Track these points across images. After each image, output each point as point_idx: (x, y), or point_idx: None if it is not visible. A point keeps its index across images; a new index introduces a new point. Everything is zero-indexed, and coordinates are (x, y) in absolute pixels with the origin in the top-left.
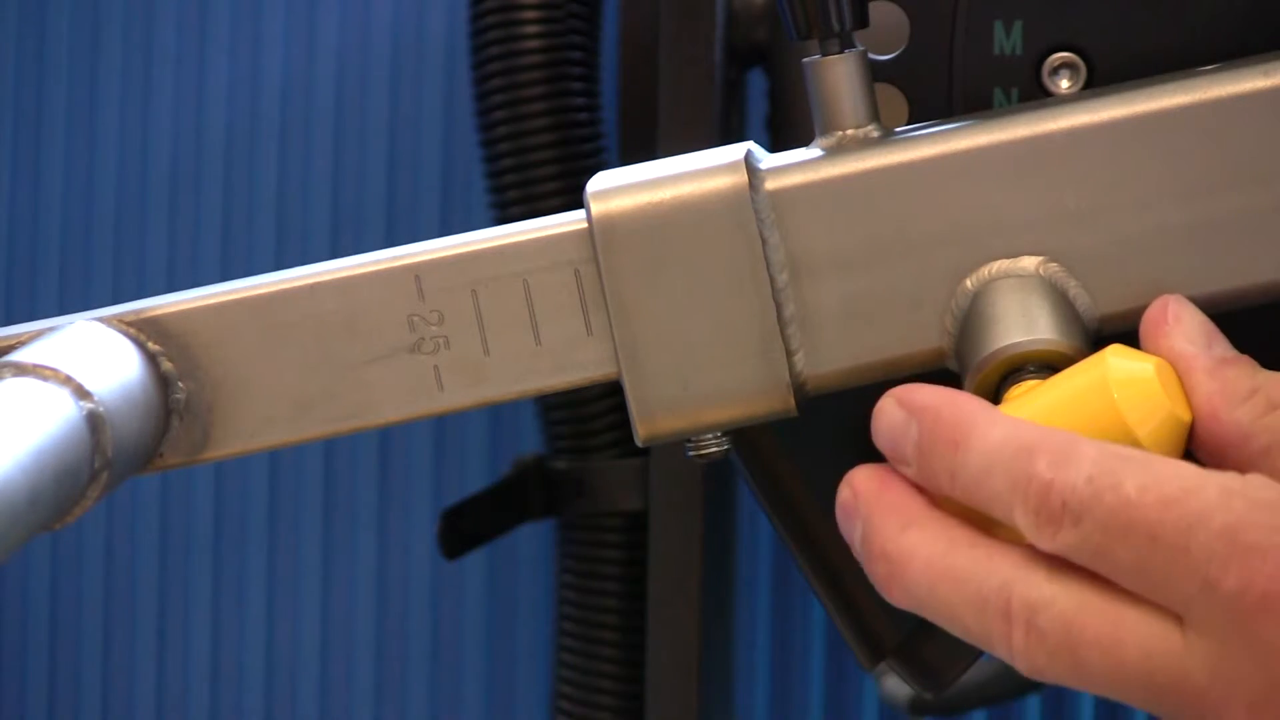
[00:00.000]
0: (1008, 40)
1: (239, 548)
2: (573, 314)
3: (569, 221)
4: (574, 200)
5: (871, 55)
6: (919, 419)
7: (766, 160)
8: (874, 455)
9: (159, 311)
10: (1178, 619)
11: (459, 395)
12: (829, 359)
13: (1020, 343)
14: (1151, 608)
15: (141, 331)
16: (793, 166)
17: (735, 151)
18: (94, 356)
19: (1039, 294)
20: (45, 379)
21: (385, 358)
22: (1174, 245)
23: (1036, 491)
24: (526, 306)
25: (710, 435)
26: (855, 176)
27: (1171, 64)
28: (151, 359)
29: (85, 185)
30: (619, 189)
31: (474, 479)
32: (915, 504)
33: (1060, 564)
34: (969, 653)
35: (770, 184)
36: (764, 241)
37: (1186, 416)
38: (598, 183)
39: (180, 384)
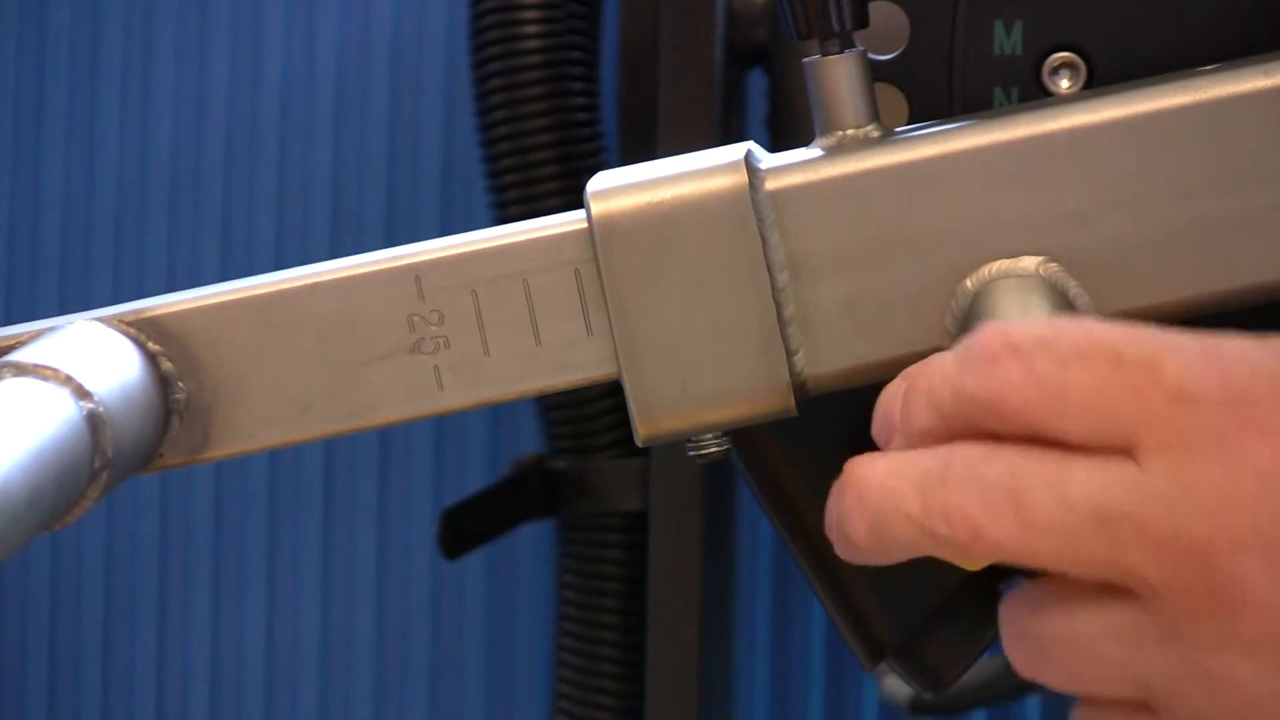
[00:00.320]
0: (1008, 40)
1: (239, 548)
2: (573, 314)
3: (569, 222)
4: (574, 200)
5: (871, 55)
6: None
7: (766, 160)
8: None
9: (159, 311)
10: (1129, 452)
11: (459, 395)
12: (829, 359)
13: None
14: (1102, 455)
15: (141, 331)
16: (793, 166)
17: (735, 151)
18: (94, 357)
19: (1039, 294)
20: (45, 379)
21: (385, 358)
22: (1174, 245)
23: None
24: (526, 306)
25: (710, 435)
26: (855, 176)
27: (1171, 64)
28: (151, 359)
29: (85, 185)
30: (619, 189)
31: (474, 479)
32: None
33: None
34: (969, 653)
35: (770, 184)
36: (764, 241)
37: None
38: (598, 183)
39: (180, 384)
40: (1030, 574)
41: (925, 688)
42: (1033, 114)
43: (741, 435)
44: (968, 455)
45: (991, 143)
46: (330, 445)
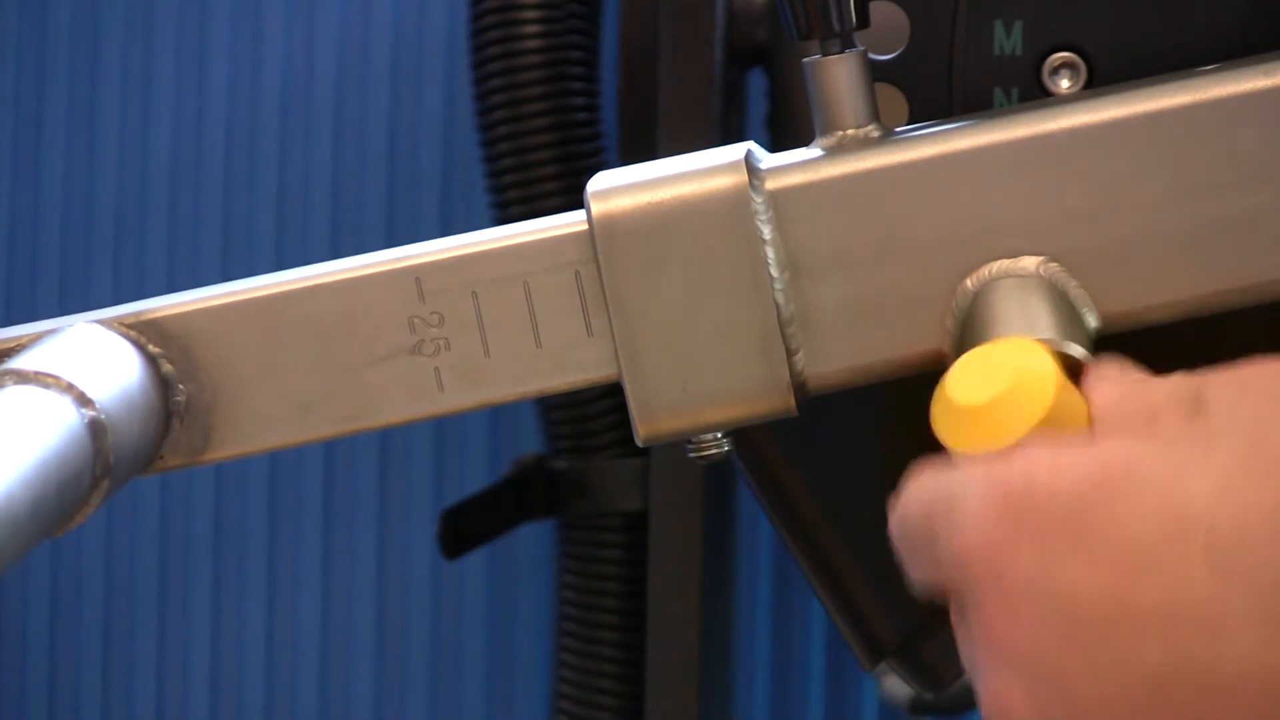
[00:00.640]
0: (1008, 40)
1: (239, 548)
2: (573, 315)
3: (569, 223)
4: (574, 200)
5: (871, 55)
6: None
7: (767, 160)
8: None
9: (159, 314)
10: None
11: (459, 397)
12: (829, 359)
13: None
14: None
15: (142, 334)
16: (793, 166)
17: (735, 151)
18: (95, 361)
19: (1039, 294)
20: (47, 386)
21: (386, 359)
22: (1174, 245)
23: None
24: (527, 308)
25: (711, 436)
26: (855, 176)
27: (1171, 64)
28: (152, 361)
29: (85, 185)
30: (619, 189)
31: (474, 479)
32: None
33: None
34: None
35: (770, 184)
36: (764, 241)
37: (967, 400)
38: (598, 183)
39: (181, 386)
40: None
41: (925, 688)
42: (1033, 114)
43: (741, 435)
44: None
45: (991, 143)
46: (330, 445)
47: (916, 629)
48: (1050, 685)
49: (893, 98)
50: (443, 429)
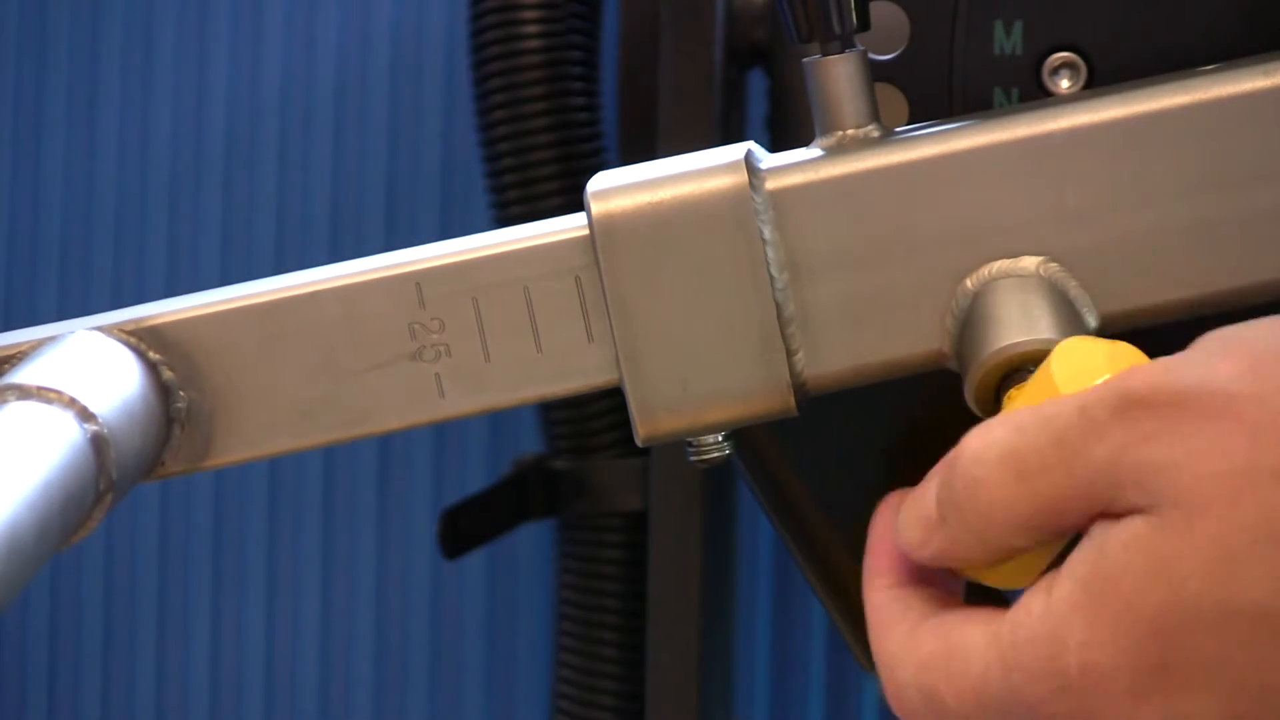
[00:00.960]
0: (1008, 40)
1: (239, 548)
2: (574, 320)
3: (569, 227)
4: (574, 200)
5: (871, 55)
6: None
7: (767, 160)
8: (872, 456)
9: (159, 320)
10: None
11: (460, 402)
12: (829, 359)
13: (1020, 343)
14: None
15: (142, 340)
16: (793, 166)
17: (735, 151)
18: (96, 372)
19: (1039, 294)
20: (49, 402)
21: (386, 365)
22: (1174, 245)
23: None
24: (527, 313)
25: (711, 438)
26: (855, 176)
27: (1171, 64)
28: (152, 368)
29: (85, 186)
30: (619, 189)
31: (474, 479)
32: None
33: None
34: None
35: (770, 184)
36: (764, 241)
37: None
38: (598, 183)
39: (181, 393)
40: None
41: None
42: (1033, 114)
43: (742, 436)
44: None
45: (991, 143)
46: (330, 447)
47: None
48: None
49: (893, 98)
50: (442, 430)
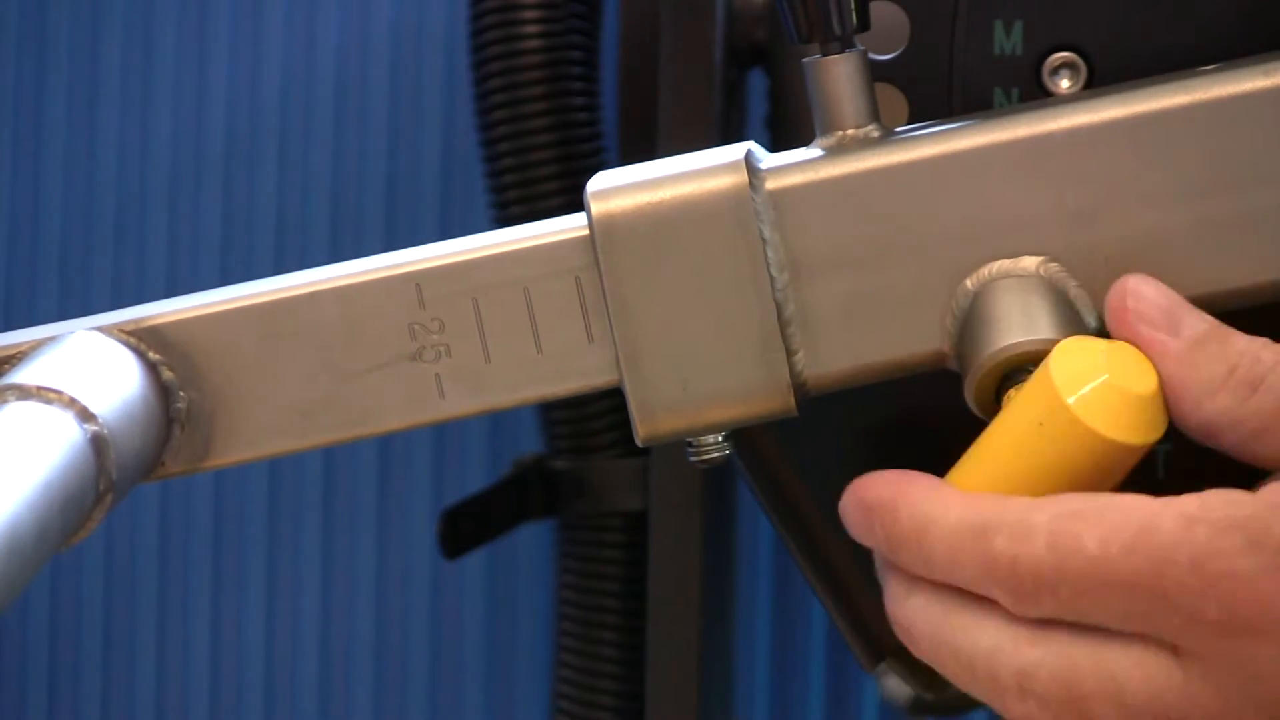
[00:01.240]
0: (1008, 40)
1: (239, 548)
2: (574, 321)
3: (570, 228)
4: (574, 200)
5: (871, 55)
6: (878, 519)
7: (767, 160)
8: (872, 457)
9: (159, 320)
10: (1173, 649)
11: (460, 403)
12: (829, 359)
13: (1020, 343)
14: (1144, 645)
15: (142, 340)
16: (793, 166)
17: (735, 151)
18: (95, 372)
19: (1039, 294)
20: (49, 402)
21: (386, 366)
22: (1174, 245)
23: (1004, 571)
24: (527, 314)
25: (711, 438)
26: (855, 176)
27: (1171, 64)
28: (152, 369)
29: (85, 186)
30: (619, 189)
31: (474, 479)
32: None
33: (1045, 623)
34: None
35: (771, 184)
36: (764, 241)
37: (1140, 388)
38: (598, 183)
39: (181, 393)
40: None
41: (925, 688)
42: (1033, 114)
43: (742, 436)
44: (1010, 661)
45: (991, 143)
46: (330, 447)
47: None
48: None
49: (893, 98)
50: (442, 430)
